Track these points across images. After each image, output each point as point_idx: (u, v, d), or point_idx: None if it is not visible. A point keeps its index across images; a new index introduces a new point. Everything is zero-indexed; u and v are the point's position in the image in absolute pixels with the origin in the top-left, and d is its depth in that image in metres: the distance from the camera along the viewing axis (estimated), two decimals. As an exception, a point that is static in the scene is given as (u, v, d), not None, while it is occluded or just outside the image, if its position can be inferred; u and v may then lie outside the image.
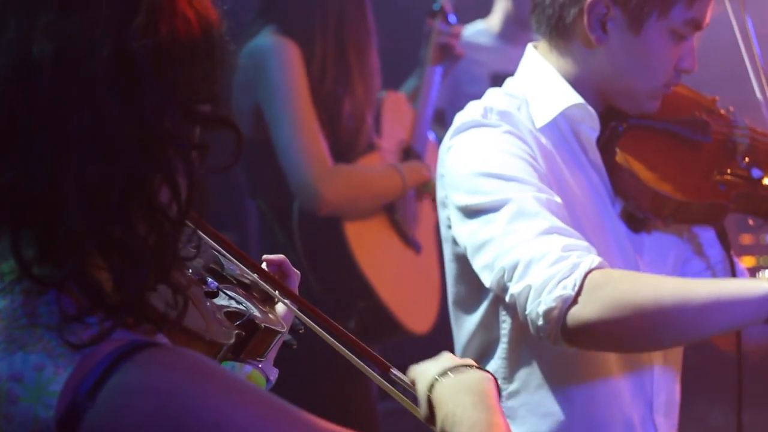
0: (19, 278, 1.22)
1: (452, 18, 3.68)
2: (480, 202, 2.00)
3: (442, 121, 5.15)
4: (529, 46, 2.21)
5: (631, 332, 1.90)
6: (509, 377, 2.12)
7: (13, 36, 1.21)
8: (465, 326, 2.16)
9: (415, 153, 3.52)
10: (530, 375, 2.10)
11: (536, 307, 1.89)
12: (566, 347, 1.93)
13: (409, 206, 3.46)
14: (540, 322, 1.89)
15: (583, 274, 1.87)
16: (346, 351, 1.54)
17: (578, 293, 1.87)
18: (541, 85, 2.13)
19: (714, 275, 2.26)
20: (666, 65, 2.10)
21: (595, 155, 2.13)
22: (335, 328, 1.55)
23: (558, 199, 2.00)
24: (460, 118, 2.12)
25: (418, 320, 3.42)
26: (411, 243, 3.44)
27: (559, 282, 1.87)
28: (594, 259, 1.90)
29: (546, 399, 2.09)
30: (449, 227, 2.12)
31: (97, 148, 1.19)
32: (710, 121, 2.20)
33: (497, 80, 5.11)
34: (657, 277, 1.98)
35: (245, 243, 4.85)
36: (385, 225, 3.38)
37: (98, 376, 1.16)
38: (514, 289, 1.92)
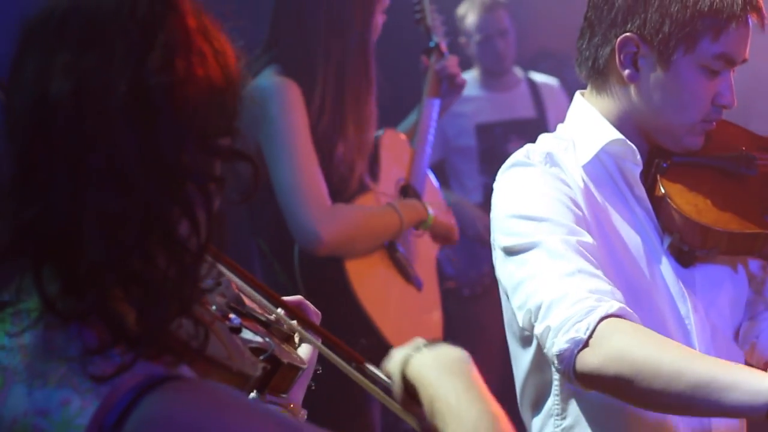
0: (43, 314, 1.23)
1: (446, 54, 3.70)
2: (515, 243, 2.04)
3: (443, 174, 5.22)
4: (577, 94, 2.25)
5: (626, 389, 1.88)
6: (562, 413, 2.13)
7: (31, 75, 1.24)
8: (521, 363, 2.19)
9: (414, 191, 3.53)
10: (583, 410, 2.11)
11: (551, 348, 1.91)
12: (582, 388, 1.95)
13: (409, 244, 3.45)
14: (555, 362, 1.92)
15: (597, 318, 1.88)
16: (376, 390, 1.53)
17: (590, 337, 1.88)
18: (584, 125, 2.17)
19: None
20: (700, 101, 2.11)
21: (640, 190, 2.16)
22: (360, 360, 1.55)
23: (590, 240, 2.02)
24: (509, 159, 2.16)
25: None
26: (412, 280, 3.43)
27: (574, 324, 1.89)
28: (613, 305, 1.90)
29: None
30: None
31: (114, 183, 1.21)
32: (758, 156, 2.21)
33: (483, 131, 5.22)
34: (665, 341, 1.93)
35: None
36: (386, 263, 3.37)
37: (123, 409, 1.17)
38: (537, 329, 1.96)
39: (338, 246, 3.14)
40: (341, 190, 3.22)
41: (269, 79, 3.13)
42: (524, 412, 2.23)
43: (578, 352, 1.88)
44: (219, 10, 1.33)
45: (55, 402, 1.19)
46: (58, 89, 1.21)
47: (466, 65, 5.36)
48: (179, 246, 1.24)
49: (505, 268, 2.07)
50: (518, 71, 5.45)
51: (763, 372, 1.85)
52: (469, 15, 5.22)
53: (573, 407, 2.12)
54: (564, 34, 5.10)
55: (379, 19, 3.27)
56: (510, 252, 2.05)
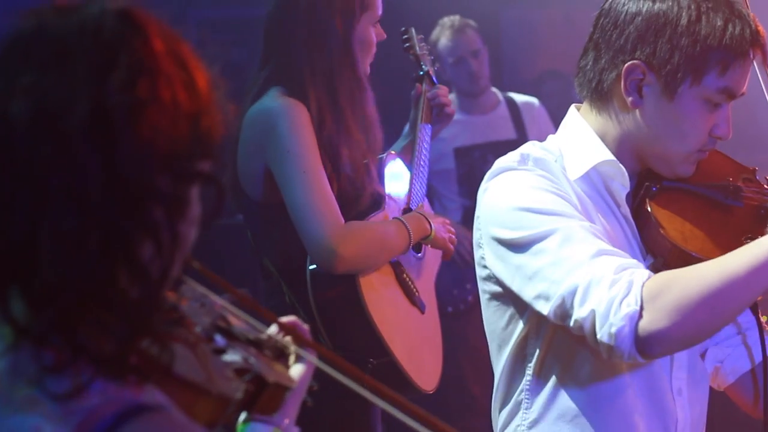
0: (17, 338, 1.23)
1: (436, 83, 3.73)
2: (525, 235, 2.07)
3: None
4: (572, 107, 2.28)
5: (701, 324, 1.97)
6: (529, 407, 2.19)
7: None
8: (499, 363, 2.24)
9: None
10: (550, 407, 2.17)
11: (608, 329, 1.96)
12: (642, 359, 2.00)
13: (413, 265, 3.46)
14: (614, 342, 1.96)
15: (639, 288, 1.95)
16: (374, 397, 1.54)
17: (642, 307, 1.95)
18: (576, 141, 2.21)
19: (745, 340, 2.30)
20: (699, 132, 2.15)
21: (626, 211, 2.20)
22: (358, 374, 1.56)
23: (598, 226, 2.09)
24: (496, 164, 2.20)
25: (426, 379, 3.41)
26: (416, 302, 3.44)
27: (622, 301, 1.95)
28: (644, 273, 1.98)
29: (563, 430, 2.16)
30: (485, 267, 2.18)
31: (72, 202, 1.20)
32: (744, 187, 2.24)
33: (461, 154, 5.24)
34: (699, 267, 2.03)
35: (259, 299, 4.88)
36: (393, 284, 3.38)
37: None
38: (578, 314, 1.99)
39: (355, 263, 3.14)
40: (356, 196, 3.23)
41: (275, 100, 3.14)
42: (494, 407, 2.28)
43: (636, 324, 1.94)
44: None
45: (25, 429, 1.18)
46: (18, 110, 1.21)
47: (506, 78, 5.39)
48: (141, 267, 1.23)
49: (511, 261, 2.10)
50: (497, 92, 5.47)
51: None
52: (441, 39, 5.26)
53: (541, 404, 2.17)
54: (571, 55, 5.14)
55: (370, 30, 3.28)
56: (519, 244, 2.08)
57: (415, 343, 3.40)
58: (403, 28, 3.80)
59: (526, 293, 2.08)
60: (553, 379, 2.16)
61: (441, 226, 3.46)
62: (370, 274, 3.25)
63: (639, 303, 1.94)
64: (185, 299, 1.50)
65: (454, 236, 3.52)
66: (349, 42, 3.20)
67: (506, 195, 2.12)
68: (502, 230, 2.11)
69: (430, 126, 3.66)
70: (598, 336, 1.97)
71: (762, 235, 2.15)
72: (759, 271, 1.94)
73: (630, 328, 1.94)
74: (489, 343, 2.26)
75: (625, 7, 2.14)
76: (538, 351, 2.16)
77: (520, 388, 2.20)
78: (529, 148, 2.23)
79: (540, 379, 2.18)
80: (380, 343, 3.22)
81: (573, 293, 1.99)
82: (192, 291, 1.52)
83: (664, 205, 2.18)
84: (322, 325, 3.18)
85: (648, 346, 1.96)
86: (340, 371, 1.56)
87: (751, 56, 2.12)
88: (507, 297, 2.17)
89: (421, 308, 3.46)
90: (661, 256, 2.16)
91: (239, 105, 3.24)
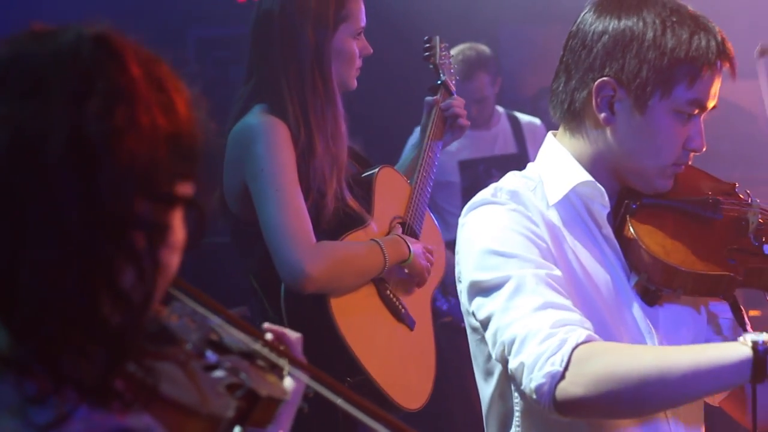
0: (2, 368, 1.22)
1: (454, 93, 3.71)
2: (485, 278, 2.10)
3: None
4: (549, 134, 2.30)
5: (618, 404, 1.97)
6: None
7: None
8: (485, 394, 2.25)
9: (411, 229, 3.49)
10: None
11: (529, 383, 1.97)
12: (560, 418, 2.00)
13: (401, 282, 3.43)
14: (534, 396, 1.97)
15: (570, 349, 1.95)
16: (360, 412, 1.53)
17: (566, 368, 1.95)
18: (555, 166, 2.23)
19: None
20: (672, 145, 2.16)
21: (608, 231, 2.21)
22: (344, 390, 1.55)
23: (558, 273, 2.08)
24: (474, 198, 2.22)
25: (410, 397, 3.37)
26: (403, 319, 3.40)
27: (548, 359, 1.95)
28: (581, 333, 1.97)
29: None
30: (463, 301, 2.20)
31: (52, 232, 1.20)
32: (723, 200, 2.26)
33: (466, 167, 5.23)
34: (638, 348, 2.04)
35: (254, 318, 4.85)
36: (375, 301, 3.34)
37: None
38: (511, 364, 2.02)
39: (324, 283, 3.12)
40: (324, 211, 3.19)
41: (256, 118, 3.14)
42: None
43: (556, 384, 1.94)
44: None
45: None
46: None
47: (506, 95, 5.37)
48: (123, 294, 1.23)
49: (474, 302, 2.13)
50: (498, 107, 5.46)
51: (730, 342, 1.97)
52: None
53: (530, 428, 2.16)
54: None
55: (350, 42, 3.27)
56: (480, 286, 2.11)
57: (397, 360, 3.36)
58: (427, 37, 3.78)
59: (485, 334, 2.11)
60: (541, 415, 2.12)
61: (421, 252, 3.41)
62: (343, 294, 3.22)
63: (564, 364, 1.94)
64: (175, 316, 1.50)
65: (431, 265, 3.47)
66: (322, 53, 3.18)
67: (476, 234, 2.16)
68: (469, 270, 2.15)
69: (440, 143, 3.64)
70: (522, 386, 1.99)
71: (743, 245, 2.19)
72: (696, 376, 1.90)
73: (549, 387, 1.95)
74: (475, 373, 2.28)
75: (592, 27, 2.17)
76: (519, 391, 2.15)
77: (512, 422, 2.20)
78: (508, 178, 2.25)
79: (528, 415, 2.17)
80: (354, 361, 3.20)
81: (511, 343, 2.01)
82: (182, 307, 1.52)
83: (643, 221, 2.19)
84: None
85: (563, 408, 1.96)
86: (329, 388, 1.55)
87: (719, 67, 2.14)
88: None
89: (410, 325, 3.42)
90: (644, 272, 2.17)
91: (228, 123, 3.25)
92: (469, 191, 5.17)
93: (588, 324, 2.02)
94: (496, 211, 2.15)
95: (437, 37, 3.81)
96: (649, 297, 2.21)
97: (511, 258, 2.08)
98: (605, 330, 2.10)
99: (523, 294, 2.03)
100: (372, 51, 3.34)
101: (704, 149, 2.18)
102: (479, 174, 5.21)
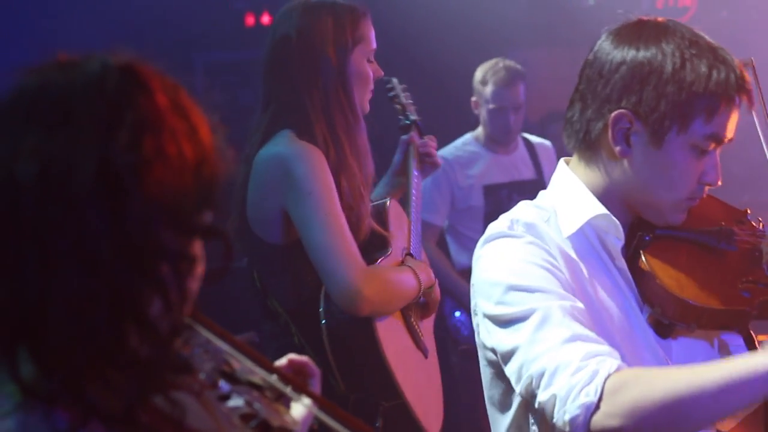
0: (24, 397, 1.22)
1: (421, 130, 3.75)
2: (506, 312, 2.07)
3: (445, 243, 5.26)
4: (561, 161, 2.28)
5: (658, 428, 1.94)
6: None
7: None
8: (499, 426, 2.22)
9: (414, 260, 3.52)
10: None
11: (562, 416, 1.95)
12: None
13: (417, 310, 3.45)
14: (567, 428, 1.95)
15: (602, 380, 1.93)
16: None
17: (600, 399, 1.92)
18: (569, 197, 2.20)
19: None
20: (688, 179, 2.14)
21: (621, 263, 2.19)
22: (358, 425, 1.54)
23: (580, 305, 2.06)
24: (489, 230, 2.19)
25: (431, 422, 3.40)
26: (421, 346, 3.44)
27: (581, 390, 1.93)
28: (612, 364, 1.95)
29: None
30: (479, 334, 2.18)
31: (82, 263, 1.20)
32: (737, 230, 2.23)
33: (490, 192, 5.23)
34: (670, 371, 2.02)
35: (264, 343, 4.85)
36: (402, 327, 3.37)
37: None
38: (541, 397, 1.99)
39: (377, 305, 3.14)
40: (356, 228, 3.21)
41: (289, 143, 3.14)
42: None
43: (591, 415, 1.92)
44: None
45: None
46: (25, 172, 1.21)
47: (474, 123, 5.39)
48: (151, 325, 1.23)
49: (494, 336, 2.10)
50: None
51: (757, 352, 1.95)
52: (488, 84, 5.22)
53: None
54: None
55: (364, 63, 3.27)
56: (501, 320, 2.07)
57: (421, 386, 3.39)
58: (386, 78, 3.78)
59: (506, 368, 2.08)
60: None
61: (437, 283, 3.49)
62: (384, 319, 3.24)
63: (598, 394, 1.92)
64: (189, 346, 1.49)
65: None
66: (344, 73, 3.20)
67: (494, 268, 2.13)
68: (489, 305, 2.11)
69: (421, 174, 3.67)
70: (555, 419, 1.97)
71: (757, 277, 2.17)
72: (730, 390, 1.89)
73: (584, 418, 1.92)
74: (487, 406, 2.25)
75: (610, 57, 2.14)
76: (538, 423, 2.14)
77: None
78: (522, 209, 2.23)
79: None
80: (394, 386, 3.21)
81: (540, 376, 1.98)
82: (196, 337, 1.52)
83: (657, 255, 2.17)
84: (336, 368, 3.17)
85: None
86: (338, 422, 1.54)
87: (737, 101, 2.11)
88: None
89: (425, 352, 3.45)
90: (658, 305, 2.15)
91: (245, 148, 3.25)
92: (491, 216, 5.15)
93: (616, 354, 2.00)
94: (513, 244, 2.13)
95: (395, 79, 3.86)
96: (663, 330, 2.18)
97: (534, 292, 2.05)
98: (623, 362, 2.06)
99: (549, 326, 2.00)
100: (383, 74, 3.35)
101: (719, 183, 2.16)
102: (502, 199, 5.20)
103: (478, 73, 5.27)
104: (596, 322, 2.09)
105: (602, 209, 2.16)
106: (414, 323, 3.39)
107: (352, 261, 3.07)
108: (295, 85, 3.19)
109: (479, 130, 5.33)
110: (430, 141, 3.71)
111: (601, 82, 2.15)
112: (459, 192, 5.19)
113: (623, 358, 2.07)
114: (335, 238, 3.07)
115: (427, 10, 6.71)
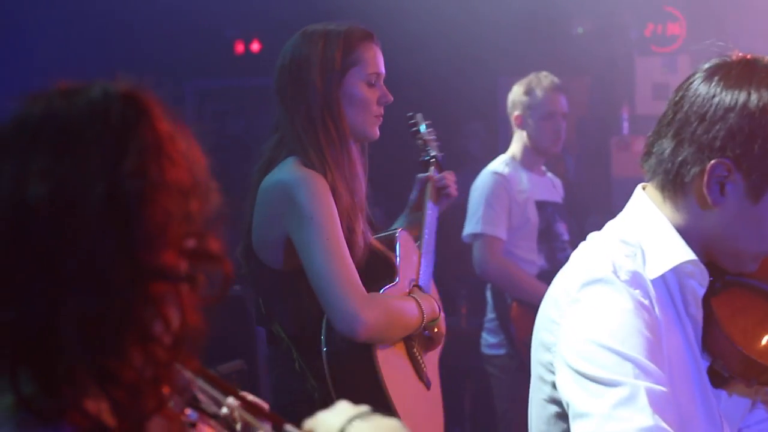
0: (16, 412, 1.22)
1: (442, 166, 3.74)
2: (593, 373, 1.96)
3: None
4: (639, 189, 2.19)
5: None
6: None
7: (7, 181, 1.25)
8: None
9: (422, 292, 3.51)
10: None
11: None
12: None
13: (422, 341, 3.45)
14: None
15: None
16: None
17: None
18: (657, 237, 2.11)
19: None
20: None
21: (696, 311, 2.09)
22: None
23: (666, 388, 1.96)
24: (587, 270, 2.09)
25: None
26: (423, 378, 3.42)
27: None
28: None
29: None
30: (551, 372, 2.08)
31: (91, 285, 1.22)
32: None
33: (541, 208, 5.19)
34: None
35: (254, 370, 4.95)
36: (404, 357, 3.36)
37: None
38: None
39: (376, 332, 3.13)
40: (351, 252, 3.22)
41: (294, 172, 3.15)
42: None
43: None
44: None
45: None
46: (36, 193, 1.22)
47: (467, 152, 5.39)
48: (154, 345, 1.25)
49: (572, 388, 1.99)
50: None
51: None
52: (536, 90, 5.15)
53: None
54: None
55: (360, 87, 3.28)
56: (584, 376, 1.97)
57: (421, 417, 3.38)
58: (410, 114, 3.79)
59: (573, 425, 1.98)
60: None
61: (444, 317, 3.46)
62: (385, 348, 3.23)
63: None
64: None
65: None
66: (331, 98, 3.21)
67: (592, 320, 2.01)
68: (574, 357, 2.00)
69: (437, 207, 3.67)
70: None
71: None
72: None
73: None
74: None
75: (716, 99, 2.04)
76: None
77: None
78: (615, 248, 2.11)
79: None
80: (392, 414, 3.19)
81: None
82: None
83: (726, 305, 2.09)
84: (335, 395, 3.16)
85: None
86: None
87: None
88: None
89: (427, 384, 3.44)
90: (721, 358, 2.07)
91: (244, 172, 3.26)
92: (545, 234, 5.13)
93: None
94: (617, 299, 2.01)
95: (419, 114, 3.84)
96: (719, 381, 2.10)
97: (627, 361, 1.94)
98: (681, 419, 1.99)
99: (632, 407, 1.90)
100: (392, 99, 3.34)
101: None
102: (549, 216, 5.18)
103: (519, 87, 5.21)
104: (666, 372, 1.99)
105: (692, 255, 2.07)
106: (417, 354, 3.39)
107: (351, 287, 3.07)
108: (289, 110, 3.21)
109: (514, 149, 5.24)
110: (449, 175, 3.69)
111: (702, 125, 2.04)
112: (516, 207, 5.10)
113: (684, 416, 2.00)
114: (335, 263, 3.08)
115: (417, 39, 6.75)
